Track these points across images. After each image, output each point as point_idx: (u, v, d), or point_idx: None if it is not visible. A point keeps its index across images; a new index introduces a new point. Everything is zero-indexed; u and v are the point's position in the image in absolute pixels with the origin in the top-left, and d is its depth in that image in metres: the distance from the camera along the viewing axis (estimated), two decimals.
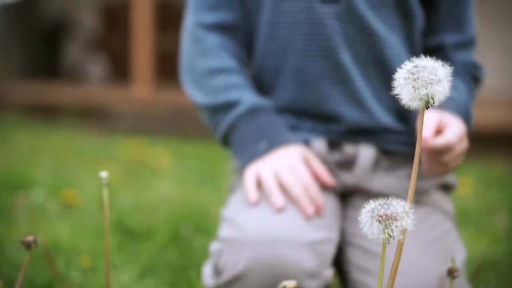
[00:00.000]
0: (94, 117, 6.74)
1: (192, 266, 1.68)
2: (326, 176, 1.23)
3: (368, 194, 1.25)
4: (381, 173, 1.28)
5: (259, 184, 1.20)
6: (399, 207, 0.74)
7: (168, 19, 8.90)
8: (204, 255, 1.75)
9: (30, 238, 1.16)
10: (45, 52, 9.78)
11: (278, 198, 1.17)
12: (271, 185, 1.18)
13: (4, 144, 3.84)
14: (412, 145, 1.27)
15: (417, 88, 0.75)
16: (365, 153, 1.27)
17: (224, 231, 1.20)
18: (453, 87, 0.98)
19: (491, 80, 7.09)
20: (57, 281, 1.48)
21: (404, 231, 0.75)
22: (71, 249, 1.76)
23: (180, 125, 5.61)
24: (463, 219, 2.30)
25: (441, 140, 1.11)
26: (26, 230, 1.89)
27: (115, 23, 9.54)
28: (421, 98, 0.75)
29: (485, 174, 3.12)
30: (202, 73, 1.29)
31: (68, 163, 3.16)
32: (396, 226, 0.73)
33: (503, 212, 2.37)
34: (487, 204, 2.45)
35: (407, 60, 0.77)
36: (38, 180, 2.57)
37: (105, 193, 0.95)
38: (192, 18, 1.33)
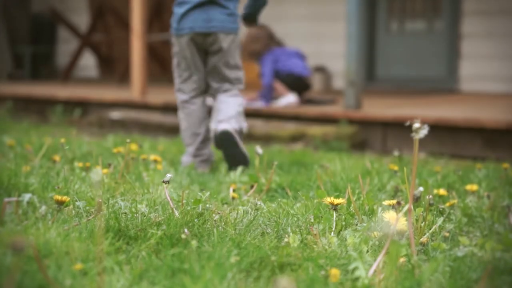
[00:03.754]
0: (88, 116, 6.67)
1: (189, 270, 1.62)
2: None
3: None
4: None
5: None
6: None
7: (159, 19, 8.84)
8: (202, 258, 1.70)
9: (20, 241, 1.10)
10: (36, 50, 9.71)
11: None
12: None
13: None
14: None
15: None
16: None
17: None
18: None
19: (495, 82, 7.10)
20: (49, 285, 1.45)
21: None
22: (63, 252, 1.71)
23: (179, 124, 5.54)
24: (470, 221, 2.24)
25: None
26: (16, 232, 1.83)
27: (108, 23, 9.47)
28: None
29: (493, 175, 3.06)
30: None
31: (61, 163, 3.10)
32: None
33: None
34: (495, 205, 2.40)
35: None
36: (29, 181, 2.52)
37: (99, 194, 0.89)
38: None
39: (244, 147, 3.24)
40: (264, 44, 5.68)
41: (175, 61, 3.37)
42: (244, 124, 3.30)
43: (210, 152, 3.39)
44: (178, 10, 3.25)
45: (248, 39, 5.75)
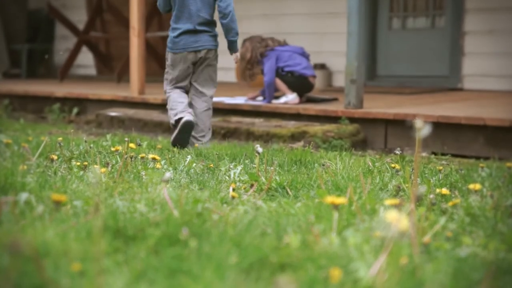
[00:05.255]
0: (86, 114, 6.65)
1: (188, 270, 1.60)
2: None
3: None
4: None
5: None
6: None
7: (158, 16, 8.81)
8: (201, 258, 1.68)
9: (17, 241, 1.09)
10: (33, 48, 9.68)
11: None
12: None
13: None
14: None
15: None
16: None
17: None
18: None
19: (498, 80, 7.08)
20: (46, 286, 1.44)
21: None
22: (61, 253, 1.68)
23: None
24: (473, 221, 2.22)
25: None
26: (14, 233, 1.81)
27: (106, 20, 9.44)
28: None
29: (496, 174, 3.04)
30: None
31: (58, 162, 3.08)
32: None
33: None
34: (499, 205, 2.37)
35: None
36: (26, 180, 2.49)
37: (97, 193, 0.86)
38: None
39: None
40: (256, 51, 5.64)
41: (166, 70, 4.46)
42: (209, 135, 4.46)
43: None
44: (172, 34, 4.41)
45: (239, 61, 5.75)
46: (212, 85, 4.46)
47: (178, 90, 4.38)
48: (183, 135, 4.17)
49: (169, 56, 4.43)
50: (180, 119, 4.17)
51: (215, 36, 4.39)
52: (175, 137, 4.20)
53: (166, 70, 4.48)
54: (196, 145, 4.17)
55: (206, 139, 4.38)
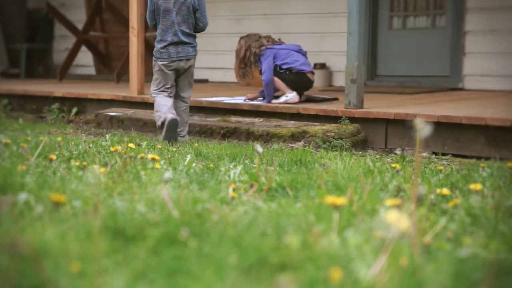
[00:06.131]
0: (85, 114, 6.64)
1: (188, 270, 1.59)
2: None
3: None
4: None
5: None
6: None
7: None
8: (201, 259, 1.67)
9: (17, 241, 1.08)
10: (32, 48, 9.67)
11: None
12: None
13: None
14: None
15: None
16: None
17: None
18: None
19: (499, 80, 7.06)
20: (46, 286, 1.43)
21: None
22: (60, 253, 1.68)
23: None
24: (474, 221, 2.21)
25: None
26: (13, 233, 1.80)
27: (105, 20, 9.42)
28: None
29: (497, 174, 3.03)
30: None
31: (57, 162, 3.07)
32: None
33: None
34: (500, 205, 2.36)
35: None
36: (25, 180, 2.49)
37: (97, 193, 0.86)
38: None
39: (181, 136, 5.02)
40: (250, 51, 5.65)
41: (154, 76, 5.05)
42: (187, 128, 5.17)
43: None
44: (158, 45, 5.05)
45: (236, 62, 5.77)
46: (190, 89, 5.17)
47: (162, 94, 4.99)
48: (170, 132, 4.78)
49: (156, 64, 5.05)
50: (165, 119, 4.79)
51: (195, 47, 5.11)
52: (164, 135, 4.80)
53: (154, 76, 5.07)
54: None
55: (184, 132, 5.07)
